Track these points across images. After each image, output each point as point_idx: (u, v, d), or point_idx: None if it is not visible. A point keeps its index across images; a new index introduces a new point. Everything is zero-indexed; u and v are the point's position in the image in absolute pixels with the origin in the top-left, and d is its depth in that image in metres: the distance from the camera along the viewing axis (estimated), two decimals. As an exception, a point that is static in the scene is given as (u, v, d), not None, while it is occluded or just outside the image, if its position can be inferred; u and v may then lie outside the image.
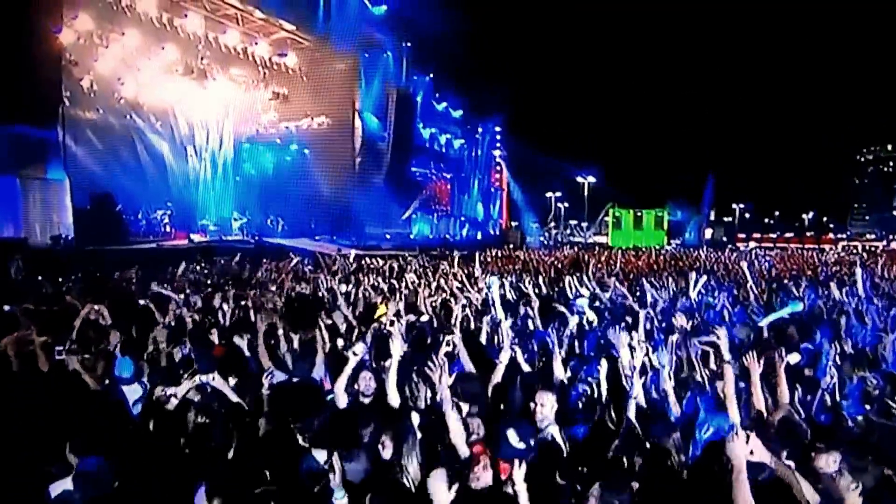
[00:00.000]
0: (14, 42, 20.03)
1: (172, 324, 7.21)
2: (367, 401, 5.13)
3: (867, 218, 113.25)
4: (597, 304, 10.61)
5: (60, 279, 13.20)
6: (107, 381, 5.49)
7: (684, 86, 58.26)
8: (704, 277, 11.97)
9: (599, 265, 19.17)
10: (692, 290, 11.11)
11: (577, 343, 7.30)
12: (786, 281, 14.45)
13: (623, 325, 7.41)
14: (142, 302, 8.27)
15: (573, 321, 7.41)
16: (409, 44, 37.60)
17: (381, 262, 18.85)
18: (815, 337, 7.16)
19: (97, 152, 28.10)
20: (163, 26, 27.62)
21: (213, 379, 4.67)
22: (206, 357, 5.29)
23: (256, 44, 31.31)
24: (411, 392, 5.30)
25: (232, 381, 5.29)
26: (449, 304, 9.30)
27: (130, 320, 7.33)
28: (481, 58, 45.26)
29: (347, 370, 5.03)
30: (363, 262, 19.08)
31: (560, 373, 5.41)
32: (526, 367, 5.70)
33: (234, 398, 4.75)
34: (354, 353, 5.00)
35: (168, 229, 27.72)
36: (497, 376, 5.17)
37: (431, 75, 41.26)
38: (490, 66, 46.72)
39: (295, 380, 5.67)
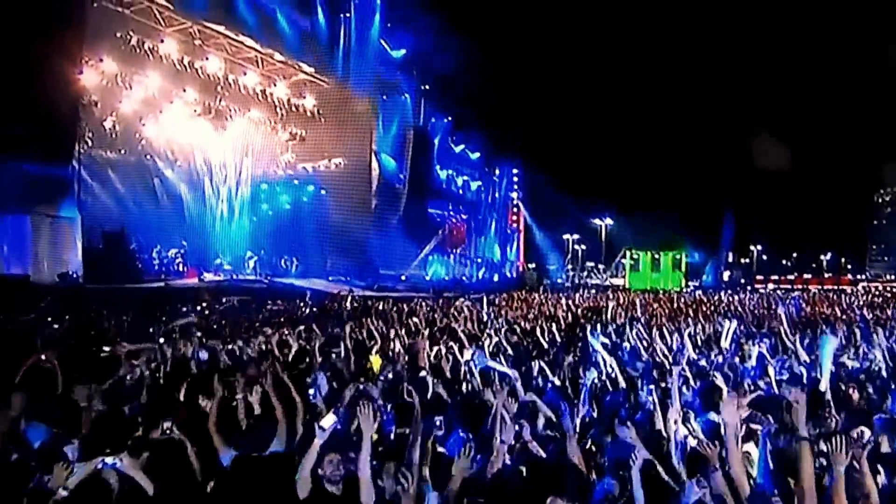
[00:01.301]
0: (30, 81, 19.69)
1: (129, 377, 6.11)
2: (334, 490, 3.95)
3: (885, 259, 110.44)
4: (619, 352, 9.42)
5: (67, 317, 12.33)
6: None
7: (702, 130, 57.33)
8: (735, 323, 10.68)
9: (619, 310, 17.88)
10: (724, 339, 9.84)
11: (595, 405, 6.08)
12: (823, 327, 13.04)
13: (654, 387, 6.20)
14: (107, 349, 7.21)
15: (591, 375, 6.20)
16: (427, 86, 37.12)
17: (387, 305, 17.69)
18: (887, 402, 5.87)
19: (117, 192, 27.74)
20: (184, 68, 27.30)
21: (121, 462, 3.52)
22: (121, 430, 4.15)
23: (275, 85, 30.91)
24: (396, 479, 4.06)
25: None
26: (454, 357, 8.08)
27: (86, 372, 6.25)
28: (499, 100, 44.75)
29: (313, 450, 3.88)
30: (369, 303, 17.94)
31: (576, 457, 4.14)
32: (536, 448, 4.47)
33: (149, 488, 3.59)
34: (321, 428, 3.86)
35: (181, 268, 26.98)
36: (497, 462, 3.98)
37: (449, 117, 40.69)
38: (508, 108, 46.13)
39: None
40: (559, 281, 52.68)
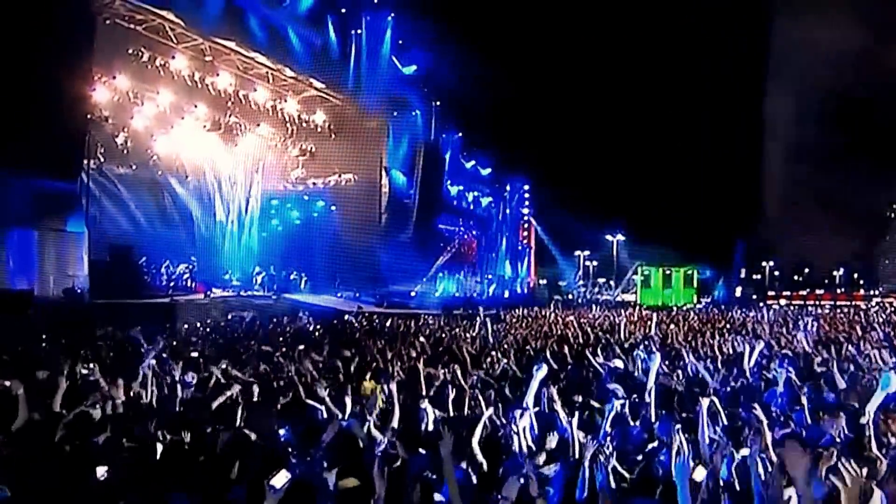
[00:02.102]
0: (38, 96, 19.42)
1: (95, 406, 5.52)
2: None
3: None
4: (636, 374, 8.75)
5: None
6: None
7: (716, 146, 56.52)
8: (761, 345, 9.95)
9: (631, 327, 17.18)
10: (747, 361, 9.12)
11: (610, 441, 5.42)
12: (848, 347, 12.23)
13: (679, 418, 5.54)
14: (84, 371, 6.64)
15: (611, 408, 5.55)
16: (438, 102, 36.72)
17: (395, 322, 17.07)
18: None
19: (127, 207, 27.60)
20: (195, 84, 27.07)
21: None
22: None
23: (286, 101, 30.62)
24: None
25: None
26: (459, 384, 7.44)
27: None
28: (511, 116, 44.15)
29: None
30: (375, 321, 17.32)
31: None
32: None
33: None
34: (272, 488, 3.17)
35: (190, 284, 26.59)
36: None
37: (460, 133, 40.23)
38: (519, 124, 45.59)
39: None
40: (570, 297, 51.90)
